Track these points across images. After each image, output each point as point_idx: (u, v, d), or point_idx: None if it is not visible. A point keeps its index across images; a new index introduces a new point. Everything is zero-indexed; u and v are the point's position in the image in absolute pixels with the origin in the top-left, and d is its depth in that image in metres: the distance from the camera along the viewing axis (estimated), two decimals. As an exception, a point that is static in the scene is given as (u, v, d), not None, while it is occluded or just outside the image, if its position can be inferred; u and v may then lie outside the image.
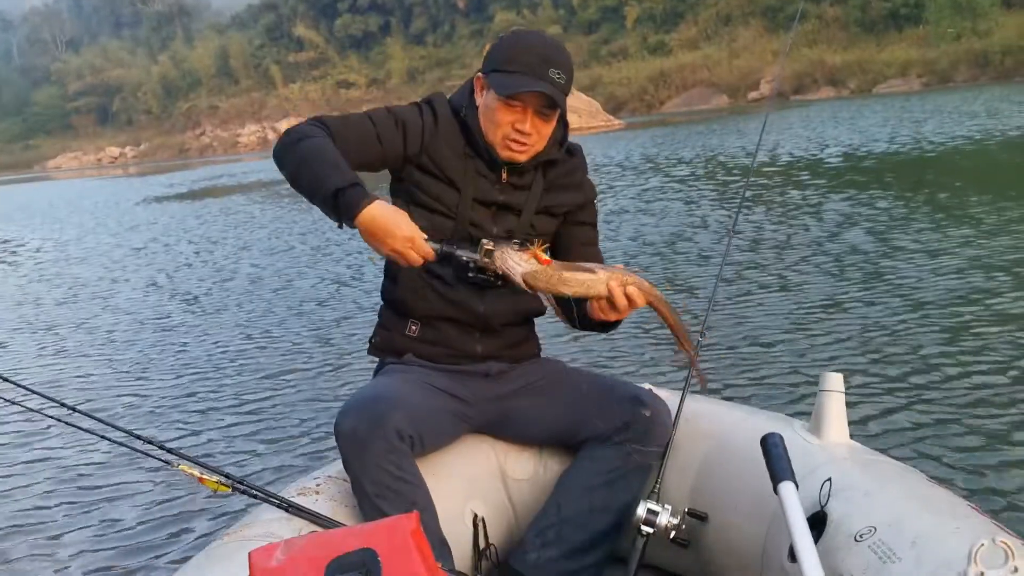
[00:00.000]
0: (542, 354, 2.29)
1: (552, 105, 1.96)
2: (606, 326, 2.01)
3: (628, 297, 1.81)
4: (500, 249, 1.80)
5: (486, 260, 1.82)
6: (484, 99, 2.02)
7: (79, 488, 3.63)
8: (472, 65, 66.29)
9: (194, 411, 4.51)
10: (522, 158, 2.02)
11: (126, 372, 5.44)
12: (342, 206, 1.79)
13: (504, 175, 2.06)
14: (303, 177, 1.88)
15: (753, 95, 44.46)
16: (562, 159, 2.13)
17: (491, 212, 2.06)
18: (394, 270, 2.12)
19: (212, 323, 6.65)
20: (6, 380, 1.96)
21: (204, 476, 1.79)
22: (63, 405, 1.92)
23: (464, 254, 1.84)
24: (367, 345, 2.21)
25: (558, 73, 1.94)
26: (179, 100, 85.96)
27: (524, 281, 1.79)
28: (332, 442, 1.93)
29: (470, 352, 2.11)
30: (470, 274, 1.94)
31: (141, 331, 6.65)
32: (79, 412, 1.92)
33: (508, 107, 1.96)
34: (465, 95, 2.09)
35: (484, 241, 1.83)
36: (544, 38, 2.03)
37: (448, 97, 2.12)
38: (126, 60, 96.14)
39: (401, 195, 2.08)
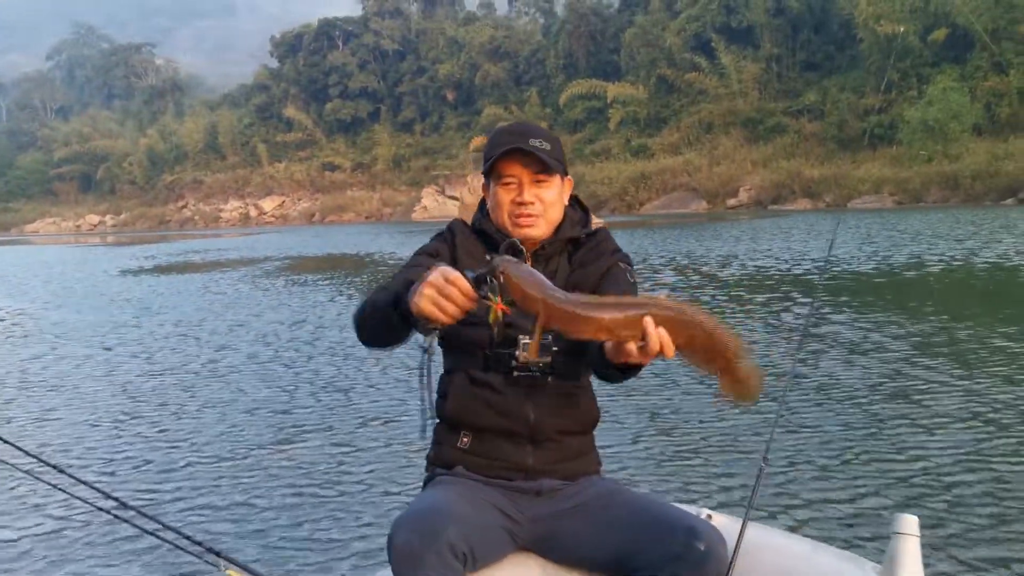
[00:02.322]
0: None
1: (542, 169, 2.05)
2: (624, 372, 1.88)
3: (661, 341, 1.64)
4: (513, 265, 1.68)
5: (502, 272, 1.68)
6: (489, 194, 2.14)
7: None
8: (458, 156, 67.42)
9: (235, 505, 4.33)
10: (535, 231, 2.08)
11: (148, 457, 5.16)
12: (406, 308, 1.78)
13: (528, 263, 2.04)
14: (382, 330, 1.93)
15: (732, 202, 45.38)
16: (585, 240, 2.18)
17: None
18: (444, 386, 2.14)
19: (247, 412, 6.32)
20: (55, 468, 1.91)
21: (255, 585, 1.72)
22: (110, 497, 1.85)
23: (483, 272, 1.73)
24: (424, 461, 2.21)
25: (539, 141, 2.05)
26: (164, 172, 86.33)
27: (543, 309, 1.64)
28: (380, 548, 1.87)
29: (522, 465, 2.05)
30: (514, 372, 1.97)
31: (166, 413, 6.40)
32: (126, 505, 1.85)
33: (505, 187, 2.08)
34: (478, 212, 2.22)
35: (496, 258, 1.72)
36: (522, 122, 2.18)
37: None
38: (114, 130, 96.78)
39: None
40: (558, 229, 2.15)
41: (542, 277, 1.69)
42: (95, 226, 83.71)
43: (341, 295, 13.62)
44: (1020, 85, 40.91)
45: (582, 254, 2.16)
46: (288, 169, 78.66)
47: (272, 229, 59.34)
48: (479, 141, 65.98)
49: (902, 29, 44.60)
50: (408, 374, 7.15)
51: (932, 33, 44.91)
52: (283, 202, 76.84)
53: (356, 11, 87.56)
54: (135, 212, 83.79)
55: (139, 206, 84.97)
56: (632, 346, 1.65)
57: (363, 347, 2.05)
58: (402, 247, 26.43)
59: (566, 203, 2.20)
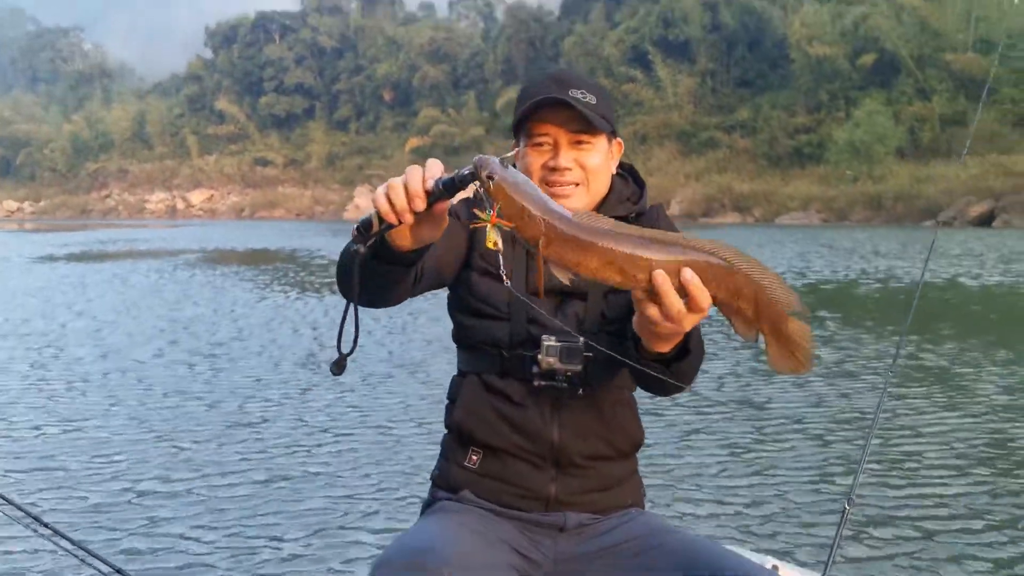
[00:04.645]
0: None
1: (584, 128, 1.65)
2: (667, 366, 1.45)
3: (686, 290, 1.24)
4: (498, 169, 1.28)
5: (480, 177, 1.28)
6: (518, 157, 1.72)
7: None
8: (393, 156, 66.87)
9: (174, 534, 3.54)
10: (572, 203, 1.64)
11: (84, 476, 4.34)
12: (364, 226, 1.40)
13: None
14: (345, 270, 1.49)
15: (663, 213, 45.97)
16: (635, 220, 1.72)
17: (551, 302, 1.67)
18: (455, 389, 1.78)
19: (193, 415, 5.63)
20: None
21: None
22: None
23: (458, 174, 1.32)
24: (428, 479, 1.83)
25: (582, 92, 1.63)
26: (88, 160, 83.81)
27: (545, 231, 1.24)
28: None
29: (541, 494, 1.66)
30: (535, 381, 1.62)
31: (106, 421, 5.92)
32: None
33: (536, 148, 1.68)
34: None
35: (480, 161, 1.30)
36: (562, 68, 1.72)
37: None
38: (37, 115, 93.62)
39: (456, 304, 1.76)
40: (602, 203, 1.73)
41: (539, 188, 1.30)
42: (12, 212, 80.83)
43: (262, 290, 13.23)
44: (942, 111, 42.35)
45: None
46: (218, 162, 77.13)
47: (199, 222, 57.97)
48: (415, 142, 65.60)
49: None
50: (367, 377, 6.88)
51: (861, 57, 46.17)
52: (212, 196, 75.26)
53: (295, 6, 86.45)
54: (56, 200, 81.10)
55: (60, 194, 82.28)
56: (652, 308, 1.26)
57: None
58: (330, 245, 25.97)
59: (614, 171, 1.78)
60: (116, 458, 4.58)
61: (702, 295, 1.23)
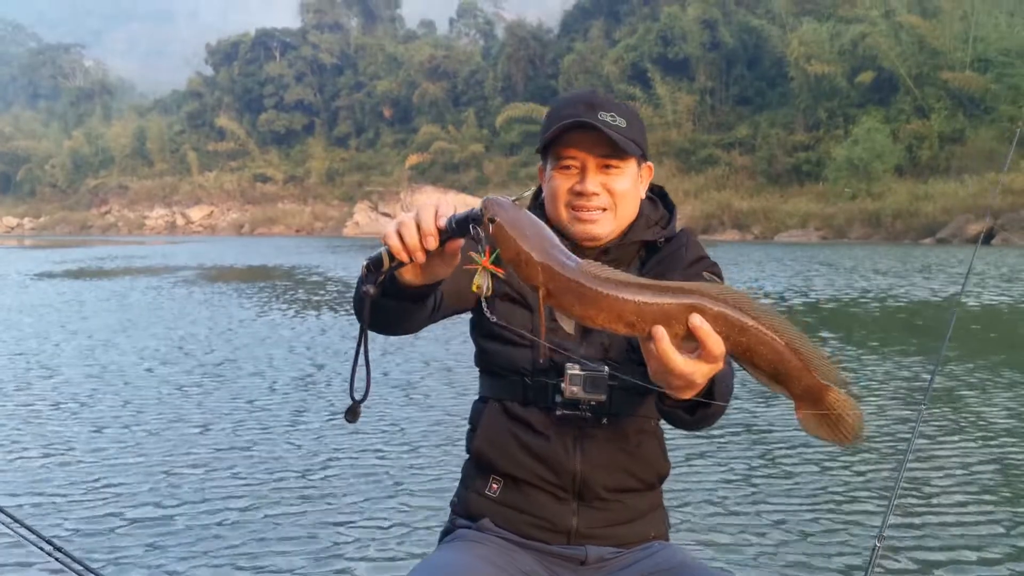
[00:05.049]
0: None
1: (612, 152, 1.60)
2: (690, 412, 1.43)
3: (695, 335, 1.17)
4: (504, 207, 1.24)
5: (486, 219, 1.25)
6: (545, 179, 1.69)
7: None
8: (393, 173, 66.94)
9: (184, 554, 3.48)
10: (598, 229, 1.63)
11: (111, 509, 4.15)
12: (374, 264, 1.39)
13: None
14: (358, 310, 1.48)
15: (662, 230, 45.98)
16: (662, 245, 1.70)
17: (576, 330, 1.63)
18: (476, 415, 1.75)
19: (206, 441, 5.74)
20: None
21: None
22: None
23: (467, 214, 1.29)
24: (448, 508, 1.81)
25: (611, 115, 1.59)
26: (88, 176, 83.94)
27: (544, 278, 1.20)
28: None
29: (563, 527, 1.63)
30: (558, 410, 1.59)
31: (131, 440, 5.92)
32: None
33: (563, 172, 1.63)
34: (532, 204, 1.77)
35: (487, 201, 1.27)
36: (592, 89, 1.69)
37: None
38: (38, 131, 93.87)
39: (478, 329, 1.73)
40: (630, 228, 1.70)
41: (548, 231, 1.24)
42: (12, 228, 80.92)
43: (260, 308, 13.15)
44: (940, 129, 42.36)
45: (655, 262, 1.68)
46: (218, 179, 77.19)
47: (199, 239, 57.93)
48: (415, 159, 65.67)
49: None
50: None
51: (859, 75, 46.28)
52: (212, 212, 75.29)
53: (295, 23, 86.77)
54: (56, 216, 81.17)
55: (60, 210, 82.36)
56: (655, 362, 1.20)
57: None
58: (328, 262, 25.92)
59: (643, 196, 1.73)
60: (105, 485, 4.46)
61: (713, 343, 1.16)
